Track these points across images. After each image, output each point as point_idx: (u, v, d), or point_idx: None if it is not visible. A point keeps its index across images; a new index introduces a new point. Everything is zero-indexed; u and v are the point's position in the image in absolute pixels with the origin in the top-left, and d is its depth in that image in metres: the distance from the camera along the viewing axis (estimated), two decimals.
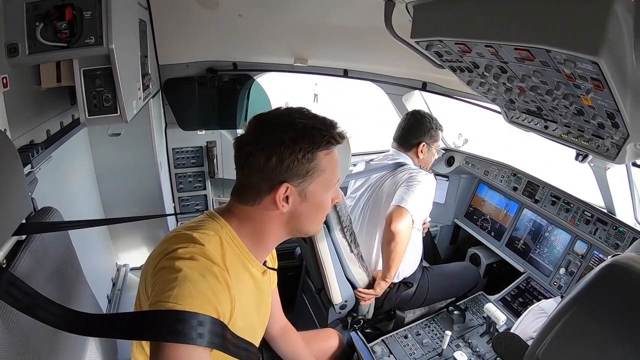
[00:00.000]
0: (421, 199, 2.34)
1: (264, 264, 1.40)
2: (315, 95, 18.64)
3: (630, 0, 0.82)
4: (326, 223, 2.25)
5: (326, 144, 1.21)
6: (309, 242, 2.34)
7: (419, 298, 2.60)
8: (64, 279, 1.39)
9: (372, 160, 2.78)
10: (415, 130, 2.65)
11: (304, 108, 1.29)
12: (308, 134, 1.20)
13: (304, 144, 1.19)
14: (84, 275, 1.58)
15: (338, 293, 2.34)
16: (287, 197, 1.22)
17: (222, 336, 1.04)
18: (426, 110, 2.87)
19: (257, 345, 1.50)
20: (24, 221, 1.23)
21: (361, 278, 2.40)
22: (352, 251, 2.35)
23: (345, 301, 2.39)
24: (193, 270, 1.05)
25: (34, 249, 1.22)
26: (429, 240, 3.28)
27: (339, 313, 2.45)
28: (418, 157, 2.67)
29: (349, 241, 2.33)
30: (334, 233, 2.28)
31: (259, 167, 1.20)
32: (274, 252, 1.63)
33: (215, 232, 1.22)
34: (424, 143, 2.64)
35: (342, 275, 2.34)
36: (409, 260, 2.46)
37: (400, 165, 2.57)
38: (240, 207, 1.28)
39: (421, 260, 2.63)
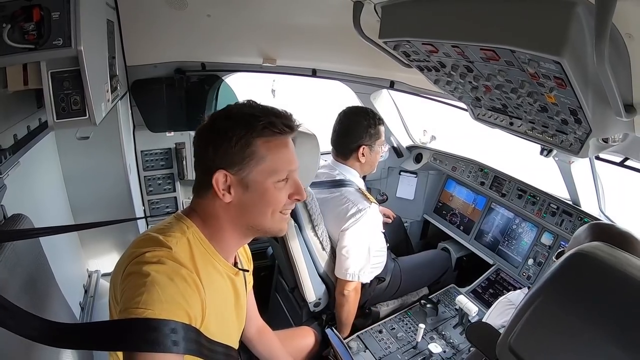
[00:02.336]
0: (361, 253, 2.28)
1: (235, 265, 1.41)
2: (273, 90, 18.58)
3: (592, 3, 0.87)
4: (297, 222, 2.27)
5: (262, 129, 1.22)
6: (281, 242, 2.35)
7: (392, 289, 2.63)
8: (37, 288, 1.36)
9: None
10: (351, 134, 2.42)
11: (252, 100, 1.32)
12: (243, 120, 1.22)
13: (237, 130, 1.21)
14: (56, 283, 1.55)
15: (311, 291, 2.36)
16: (229, 187, 1.24)
17: (197, 342, 1.06)
18: (360, 105, 2.78)
19: (236, 347, 1.50)
20: None
21: (334, 275, 2.41)
22: (323, 249, 2.37)
23: (319, 299, 2.41)
24: (161, 275, 1.05)
25: (6, 258, 1.19)
26: (402, 233, 3.34)
27: (313, 311, 2.46)
28: (360, 161, 2.45)
29: (320, 239, 2.34)
30: (305, 232, 2.29)
31: (199, 158, 1.27)
32: (249, 253, 1.64)
33: (182, 233, 1.22)
34: (363, 146, 2.41)
35: (315, 273, 2.36)
36: (379, 262, 2.46)
37: (339, 184, 2.43)
38: (198, 201, 1.31)
39: (389, 253, 2.60)
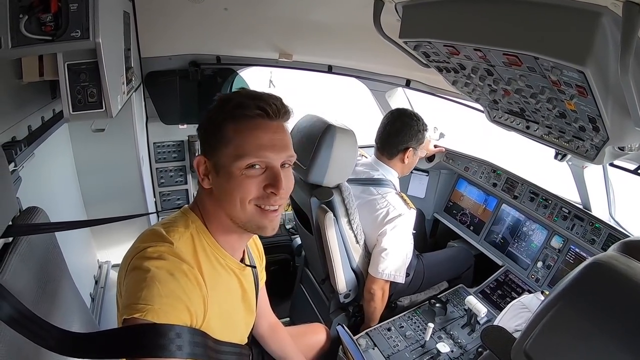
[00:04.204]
0: (400, 256, 2.36)
1: (242, 260, 1.39)
2: (271, 81, 18.71)
3: (617, 14, 0.86)
4: (334, 213, 2.29)
5: (231, 110, 1.18)
6: (316, 232, 2.40)
7: (415, 284, 2.69)
8: (51, 280, 1.36)
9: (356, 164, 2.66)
10: (402, 136, 2.48)
11: (244, 88, 1.29)
12: (219, 105, 1.20)
13: (213, 114, 1.21)
14: (70, 275, 1.55)
15: (343, 282, 2.41)
16: (207, 173, 1.23)
17: (204, 345, 1.06)
18: (409, 108, 2.82)
19: (246, 342, 1.50)
20: (10, 223, 1.21)
21: (365, 269, 2.45)
22: (357, 242, 2.40)
23: (350, 290, 2.47)
24: (161, 270, 1.05)
25: (22, 252, 1.19)
26: (422, 228, 3.40)
27: (343, 302, 2.52)
28: (403, 162, 2.54)
29: (355, 233, 2.37)
30: (341, 224, 2.32)
31: None
32: (261, 249, 1.64)
33: (185, 228, 1.21)
34: (411, 148, 2.51)
35: (348, 265, 2.40)
36: (407, 261, 2.47)
37: (378, 183, 2.51)
38: (197, 191, 1.31)
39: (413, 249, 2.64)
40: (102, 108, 1.57)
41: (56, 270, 1.43)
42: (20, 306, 1.00)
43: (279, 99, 1.22)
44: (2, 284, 1.02)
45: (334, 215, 2.28)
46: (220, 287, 1.25)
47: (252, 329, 1.58)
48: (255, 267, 1.50)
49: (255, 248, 1.60)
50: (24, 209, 1.36)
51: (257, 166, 1.18)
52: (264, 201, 1.20)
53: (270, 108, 1.18)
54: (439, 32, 1.38)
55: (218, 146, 1.18)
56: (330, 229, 2.26)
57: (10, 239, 1.19)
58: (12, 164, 1.37)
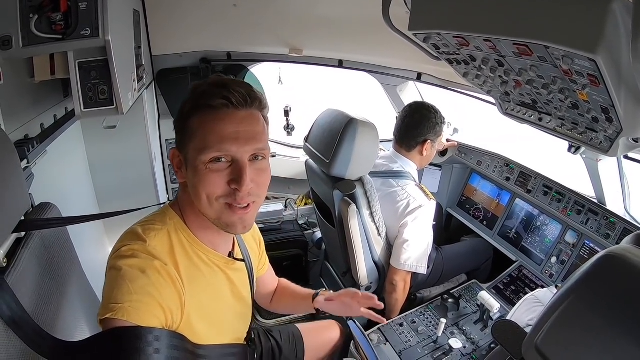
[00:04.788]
0: (421, 247, 2.39)
1: (230, 255, 1.35)
2: (280, 77, 18.77)
3: (629, 1, 0.84)
4: (356, 205, 2.31)
5: (197, 99, 1.12)
6: (338, 225, 2.41)
7: (434, 277, 2.71)
8: (63, 275, 1.38)
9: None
10: (421, 128, 2.50)
11: (218, 74, 1.24)
12: (190, 96, 1.15)
13: (183, 104, 1.16)
14: (82, 270, 1.57)
15: (365, 275, 2.44)
16: (180, 167, 1.20)
17: (183, 349, 1.04)
18: (426, 102, 2.79)
19: (243, 338, 1.50)
20: (22, 218, 1.23)
21: (386, 261, 2.47)
22: (379, 235, 2.41)
23: (371, 283, 2.49)
24: (133, 268, 1.03)
25: (34, 246, 1.22)
26: (440, 222, 3.40)
27: None
28: (421, 154, 2.56)
29: (377, 225, 2.39)
30: (364, 216, 2.33)
31: None
32: (258, 234, 1.64)
33: (163, 225, 1.18)
34: (429, 140, 2.53)
35: (370, 257, 2.42)
36: (428, 251, 2.48)
37: (398, 175, 2.53)
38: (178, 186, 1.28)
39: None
40: (112, 105, 1.60)
41: (68, 265, 1.45)
42: (24, 314, 1.03)
43: (246, 86, 1.15)
44: (15, 277, 1.05)
45: (357, 207, 2.29)
46: (201, 284, 1.22)
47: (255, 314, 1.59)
48: (243, 260, 1.43)
49: (252, 242, 1.58)
50: (36, 204, 1.38)
51: (222, 160, 1.11)
52: (230, 199, 1.14)
53: (234, 97, 1.10)
54: (449, 23, 1.36)
55: (186, 139, 1.14)
56: (353, 220, 2.27)
57: (23, 233, 1.21)
58: (25, 161, 1.39)
